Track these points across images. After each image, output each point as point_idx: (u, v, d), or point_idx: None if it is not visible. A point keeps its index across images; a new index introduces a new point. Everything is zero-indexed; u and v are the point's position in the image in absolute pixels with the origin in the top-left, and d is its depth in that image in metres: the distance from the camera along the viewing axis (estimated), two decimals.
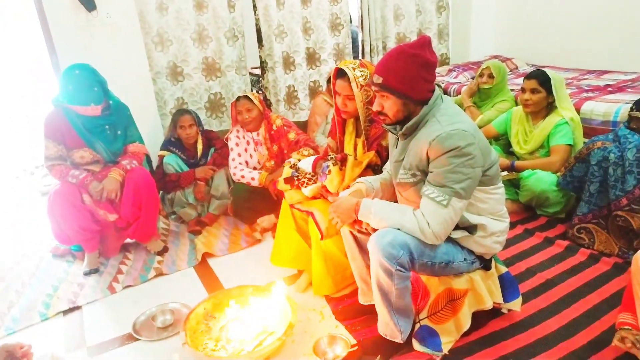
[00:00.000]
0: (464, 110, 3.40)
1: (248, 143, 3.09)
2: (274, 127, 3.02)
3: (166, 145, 3.14)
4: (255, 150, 3.08)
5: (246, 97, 2.95)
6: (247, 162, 3.11)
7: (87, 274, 2.61)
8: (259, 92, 4.44)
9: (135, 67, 3.29)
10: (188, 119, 3.06)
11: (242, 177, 3.02)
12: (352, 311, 2.11)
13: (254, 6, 3.69)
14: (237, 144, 3.09)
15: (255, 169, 3.10)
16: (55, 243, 2.83)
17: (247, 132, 3.07)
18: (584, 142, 2.65)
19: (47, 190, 3.62)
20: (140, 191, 2.59)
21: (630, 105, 2.85)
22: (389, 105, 1.65)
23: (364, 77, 2.01)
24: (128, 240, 2.85)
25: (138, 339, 2.06)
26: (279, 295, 2.00)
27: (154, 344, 2.04)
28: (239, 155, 3.08)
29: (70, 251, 2.84)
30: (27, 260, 2.86)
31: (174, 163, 3.06)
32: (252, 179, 2.99)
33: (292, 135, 2.98)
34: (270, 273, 2.48)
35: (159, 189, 3.11)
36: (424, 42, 1.59)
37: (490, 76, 3.37)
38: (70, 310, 2.33)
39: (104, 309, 2.34)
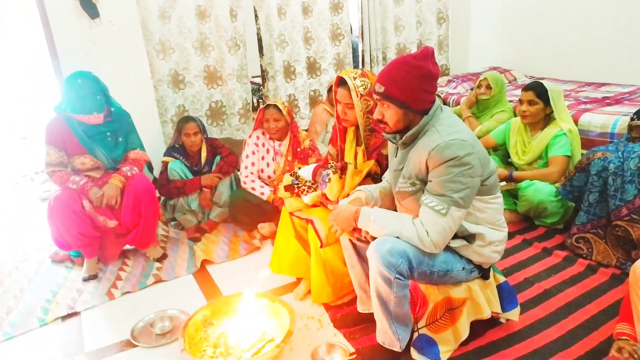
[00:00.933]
0: (463, 120, 3.42)
1: (268, 151, 3.07)
2: (302, 147, 3.00)
3: (170, 152, 3.15)
4: (273, 160, 3.06)
5: (275, 106, 2.91)
6: (261, 170, 3.08)
7: (86, 280, 2.61)
8: (260, 100, 4.47)
9: (136, 74, 3.32)
10: (193, 127, 3.07)
11: (253, 189, 3.01)
12: (351, 319, 2.11)
13: (256, 16, 3.73)
14: (253, 152, 3.05)
15: (269, 177, 3.08)
16: (55, 249, 2.83)
17: (270, 139, 3.06)
18: (583, 153, 2.67)
19: (47, 196, 3.63)
20: (140, 198, 2.59)
21: (628, 117, 2.89)
22: (390, 114, 1.67)
23: (364, 87, 2.03)
24: (127, 246, 2.85)
25: (136, 346, 2.06)
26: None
27: (152, 350, 2.04)
28: (252, 164, 3.05)
29: (69, 257, 2.84)
30: (26, 265, 2.86)
31: (178, 169, 3.07)
32: (262, 194, 2.98)
33: (312, 160, 2.95)
34: (269, 280, 2.48)
35: (163, 195, 3.13)
36: (427, 54, 1.61)
37: (488, 87, 3.40)
38: (69, 316, 2.33)
39: (102, 315, 2.34)
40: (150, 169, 3.01)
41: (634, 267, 1.62)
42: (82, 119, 2.50)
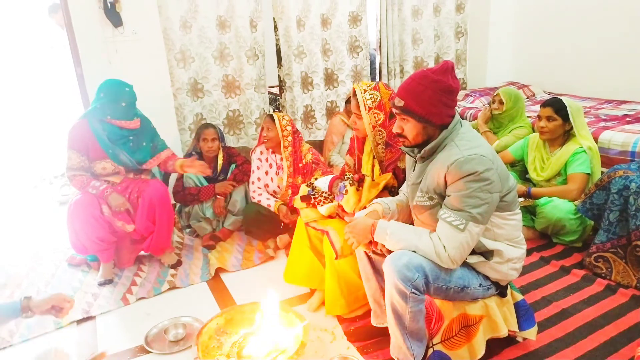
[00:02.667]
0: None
1: (271, 166, 3.09)
2: (304, 162, 3.00)
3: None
4: (276, 174, 3.08)
5: (271, 115, 2.95)
6: (267, 185, 3.11)
7: (101, 284, 2.64)
8: (275, 110, 4.50)
9: (157, 83, 3.37)
10: (211, 133, 3.12)
11: (260, 201, 3.04)
12: (364, 333, 2.09)
13: (275, 27, 3.77)
14: (257, 167, 3.10)
15: (275, 193, 3.10)
16: (72, 252, 2.86)
17: (272, 153, 3.08)
18: (603, 171, 2.64)
19: (65, 200, 3.69)
20: (154, 205, 2.62)
21: None
22: (409, 128, 1.67)
23: (372, 100, 2.05)
24: (142, 252, 2.87)
25: (150, 352, 2.06)
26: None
27: (165, 357, 2.04)
28: (259, 179, 3.10)
29: (86, 261, 2.87)
30: (43, 268, 2.90)
31: (194, 176, 3.10)
32: (269, 205, 3.00)
33: (317, 175, 2.94)
34: (282, 290, 2.48)
35: (177, 202, 3.15)
36: (446, 68, 1.61)
37: (501, 102, 3.38)
38: (84, 319, 2.35)
39: (117, 320, 2.36)
40: (166, 177, 3.05)
41: None
42: (122, 124, 2.59)
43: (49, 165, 4.68)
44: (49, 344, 2.14)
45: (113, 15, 3.11)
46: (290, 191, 2.98)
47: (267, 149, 3.08)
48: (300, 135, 3.04)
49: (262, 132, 2.99)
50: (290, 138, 2.93)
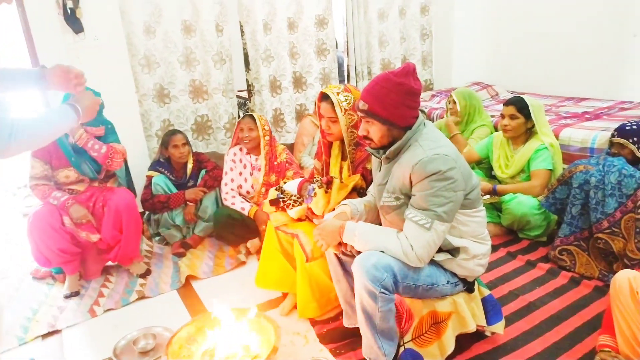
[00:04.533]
0: (450, 139, 3.46)
1: (245, 167, 3.09)
2: (278, 160, 3.02)
3: (155, 166, 3.14)
4: (251, 175, 3.07)
5: (251, 116, 2.97)
6: (239, 186, 3.10)
7: (67, 297, 2.56)
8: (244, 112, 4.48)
9: (121, 89, 3.29)
10: (181, 138, 3.08)
11: (233, 204, 3.02)
12: (337, 334, 2.10)
13: (242, 31, 3.75)
14: (231, 169, 3.09)
15: (248, 193, 3.09)
16: (36, 265, 2.78)
17: (247, 154, 3.08)
18: (564, 167, 2.72)
19: (29, 212, 3.58)
20: (120, 213, 2.57)
21: (607, 132, 2.95)
22: (374, 130, 1.69)
23: (347, 102, 2.06)
24: (109, 262, 2.81)
25: None
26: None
27: None
28: (232, 180, 3.08)
29: (50, 274, 2.79)
30: (6, 283, 2.80)
31: (162, 184, 3.05)
32: (243, 209, 2.98)
33: (289, 174, 2.98)
34: (254, 295, 2.46)
35: (146, 210, 3.10)
36: (408, 70, 1.63)
37: (455, 103, 3.46)
38: (50, 334, 2.28)
39: (84, 332, 2.30)
40: (128, 172, 2.95)
41: (614, 279, 1.65)
42: (87, 130, 2.51)
43: (12, 176, 4.54)
44: None
45: (73, 22, 3.03)
46: (264, 189, 2.99)
47: (241, 150, 3.07)
48: (273, 135, 3.07)
49: (241, 132, 2.98)
50: (267, 137, 2.97)
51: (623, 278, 1.62)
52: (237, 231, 3.00)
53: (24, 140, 1.48)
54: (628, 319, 1.59)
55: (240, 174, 3.09)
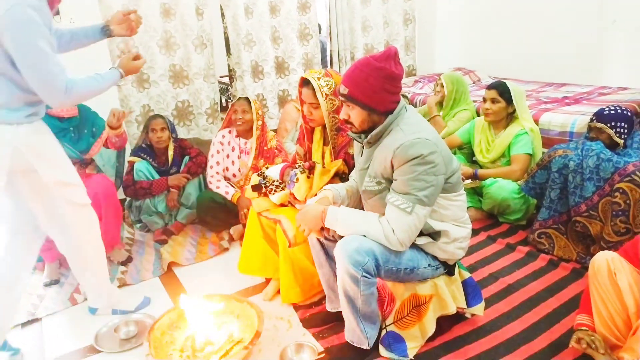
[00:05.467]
0: (429, 120, 3.48)
1: (233, 149, 3.06)
2: (268, 146, 3.01)
3: (137, 152, 3.09)
4: (238, 158, 3.05)
5: (247, 98, 2.94)
6: (226, 169, 3.07)
7: (47, 285, 2.53)
8: (229, 100, 4.43)
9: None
10: (160, 122, 3.03)
11: (218, 187, 2.99)
12: (320, 319, 2.11)
13: (222, 14, 3.69)
14: (217, 152, 3.05)
15: (234, 176, 3.07)
16: None
17: (236, 137, 3.05)
18: (544, 152, 2.75)
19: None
20: (99, 200, 2.52)
21: (586, 116, 2.99)
22: (355, 115, 1.68)
23: (328, 87, 2.04)
24: None
25: (100, 351, 2.00)
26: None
27: (116, 356, 1.99)
28: (217, 163, 3.03)
29: None
30: None
31: (144, 170, 3.01)
32: (227, 193, 2.96)
33: (278, 160, 2.96)
34: (237, 281, 2.46)
35: (128, 196, 3.06)
36: (389, 55, 1.62)
37: (443, 86, 3.47)
38: (29, 322, 2.25)
39: (64, 320, 2.27)
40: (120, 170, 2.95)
41: (592, 260, 1.69)
42: (58, 113, 2.46)
43: None
44: None
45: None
46: (251, 172, 2.97)
47: (230, 132, 3.06)
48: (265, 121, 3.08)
49: (235, 114, 2.95)
50: (260, 122, 2.95)
51: (601, 259, 1.65)
52: (219, 215, 2.97)
53: (76, 96, 1.77)
54: (605, 299, 1.62)
55: (228, 156, 3.06)
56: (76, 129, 2.58)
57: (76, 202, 2.02)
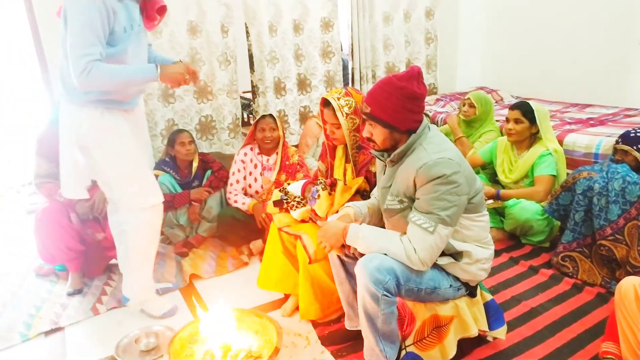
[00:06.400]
0: (455, 142, 3.46)
1: (255, 166, 3.10)
2: (290, 161, 3.06)
3: (160, 165, 3.15)
4: (261, 175, 3.09)
5: (272, 115, 3.00)
6: (249, 186, 3.12)
7: (70, 294, 2.57)
8: (250, 115, 4.49)
9: None
10: (187, 136, 3.11)
11: (235, 202, 3.03)
12: (339, 336, 2.10)
13: (247, 32, 3.76)
14: (239, 170, 3.11)
15: (257, 192, 3.11)
16: (39, 262, 2.79)
17: (258, 154, 3.09)
18: (568, 173, 2.71)
19: (33, 209, 3.59)
20: None
21: (612, 138, 2.95)
22: (377, 133, 1.70)
23: (349, 106, 2.07)
24: (113, 260, 2.82)
25: None
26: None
27: None
28: (237, 182, 3.10)
29: (54, 271, 2.80)
30: (10, 279, 2.81)
31: (167, 183, 3.06)
32: (243, 204, 2.99)
33: (299, 176, 3.01)
34: (256, 296, 2.47)
35: None
36: (412, 74, 1.64)
37: (471, 106, 3.45)
38: (52, 331, 2.29)
39: (86, 330, 2.30)
40: None
41: (619, 285, 1.65)
42: None
43: (17, 173, 4.55)
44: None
45: None
46: (273, 187, 3.01)
47: (252, 150, 3.11)
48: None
49: (261, 132, 3.00)
50: (283, 139, 3.04)
51: (628, 284, 1.62)
52: (240, 232, 3.00)
53: (97, 79, 1.73)
54: (633, 325, 1.58)
55: (250, 173, 3.11)
56: None
57: (134, 206, 2.05)
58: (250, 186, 3.11)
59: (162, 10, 2.02)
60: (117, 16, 1.81)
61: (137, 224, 2.11)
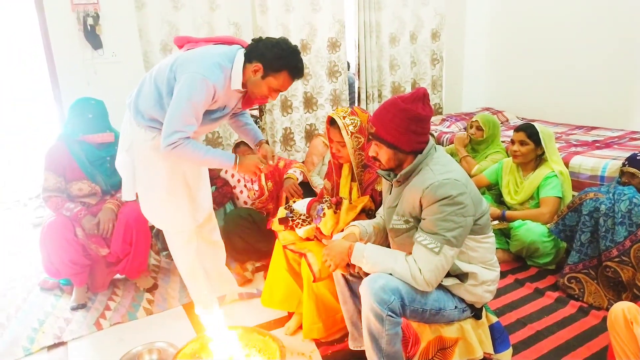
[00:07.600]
0: (460, 161, 3.47)
1: (239, 181, 3.20)
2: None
3: None
4: (245, 187, 3.20)
5: (244, 142, 3.00)
6: (238, 195, 3.25)
7: (74, 308, 2.58)
8: None
9: None
10: None
11: (239, 180, 3.20)
12: (342, 356, 2.09)
13: None
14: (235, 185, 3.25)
15: (245, 203, 3.22)
16: (44, 276, 2.80)
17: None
18: (574, 195, 2.71)
19: (40, 222, 3.61)
20: (131, 227, 2.59)
21: (617, 160, 2.95)
22: (382, 153, 1.71)
23: (354, 125, 2.09)
24: (117, 275, 2.82)
25: None
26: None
27: None
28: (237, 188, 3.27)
29: (58, 285, 2.81)
30: (14, 293, 2.82)
31: None
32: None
33: (281, 164, 3.15)
34: (260, 314, 2.46)
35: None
36: (417, 96, 1.65)
37: (479, 128, 3.47)
38: (55, 345, 2.29)
39: (89, 345, 2.30)
40: None
41: (610, 312, 1.64)
42: (94, 139, 2.57)
43: (24, 186, 4.59)
44: None
45: (93, 38, 3.12)
46: (267, 194, 3.18)
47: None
48: None
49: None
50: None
51: (618, 310, 1.60)
52: (247, 237, 2.99)
53: (178, 153, 1.92)
54: (626, 350, 1.57)
55: (235, 187, 3.24)
56: (112, 160, 2.62)
57: (161, 227, 2.34)
58: (238, 198, 3.26)
59: (263, 100, 2.16)
60: (218, 101, 2.00)
61: (171, 244, 2.37)
